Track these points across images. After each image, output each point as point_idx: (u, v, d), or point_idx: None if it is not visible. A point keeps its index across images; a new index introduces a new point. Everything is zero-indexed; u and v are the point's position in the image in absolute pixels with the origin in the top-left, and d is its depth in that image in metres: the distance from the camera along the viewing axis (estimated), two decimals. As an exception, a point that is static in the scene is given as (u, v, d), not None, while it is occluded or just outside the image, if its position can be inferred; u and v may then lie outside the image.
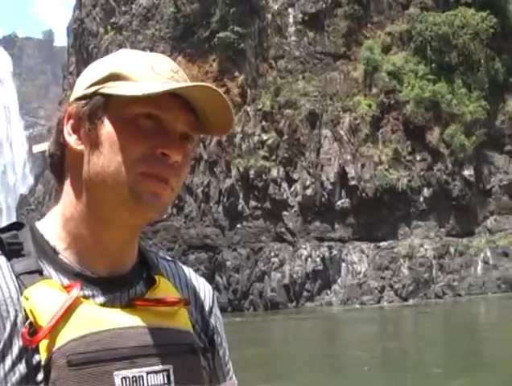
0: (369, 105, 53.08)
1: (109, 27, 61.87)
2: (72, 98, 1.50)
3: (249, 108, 53.84)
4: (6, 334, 1.34)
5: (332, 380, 18.16)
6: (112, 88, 1.43)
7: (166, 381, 1.40)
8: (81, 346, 1.33)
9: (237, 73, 54.10)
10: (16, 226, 1.50)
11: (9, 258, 1.41)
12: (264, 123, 53.33)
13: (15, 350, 1.34)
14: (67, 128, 1.48)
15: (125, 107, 1.42)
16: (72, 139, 1.47)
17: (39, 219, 1.53)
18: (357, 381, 17.71)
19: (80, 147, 1.46)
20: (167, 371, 1.41)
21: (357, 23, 55.87)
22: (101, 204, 1.45)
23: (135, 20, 60.26)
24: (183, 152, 1.46)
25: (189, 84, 1.43)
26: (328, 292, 49.66)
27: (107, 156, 1.42)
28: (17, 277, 1.38)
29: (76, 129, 1.47)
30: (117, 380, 1.34)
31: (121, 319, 1.40)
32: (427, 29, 53.99)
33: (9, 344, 1.34)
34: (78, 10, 67.79)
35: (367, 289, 48.61)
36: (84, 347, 1.33)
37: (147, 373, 1.38)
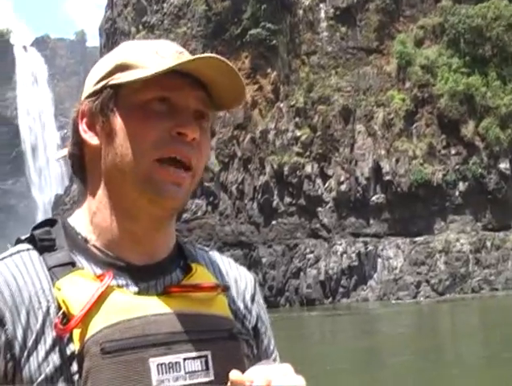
0: (403, 99, 52.83)
1: (140, 26, 62.19)
2: (82, 97, 1.50)
3: (282, 105, 53.85)
4: (38, 325, 1.33)
5: (370, 377, 18.06)
6: (120, 79, 1.43)
7: (204, 367, 1.38)
8: (114, 334, 1.32)
9: (269, 70, 54.13)
10: (49, 223, 1.51)
11: (41, 253, 1.41)
12: (297, 119, 53.31)
13: (49, 340, 1.33)
14: (82, 126, 1.48)
15: (136, 94, 1.41)
16: (87, 136, 1.47)
17: (70, 215, 1.54)
18: (398, 377, 17.61)
19: (97, 142, 1.46)
20: (205, 357, 1.39)
21: (389, 17, 55.61)
22: (123, 196, 1.44)
23: (167, 19, 60.49)
24: (199, 129, 1.44)
25: (193, 56, 1.40)
26: (364, 288, 49.54)
27: (123, 146, 1.42)
28: (49, 269, 1.38)
29: (90, 126, 1.47)
30: (153, 367, 1.33)
31: (154, 306, 1.39)
32: (460, 21, 53.61)
33: (42, 335, 1.33)
34: (110, 10, 68.26)
35: (403, 284, 48.42)
36: (117, 335, 1.32)
37: (184, 359, 1.36)
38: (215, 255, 1.64)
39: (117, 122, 1.43)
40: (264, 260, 50.23)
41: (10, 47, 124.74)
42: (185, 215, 51.68)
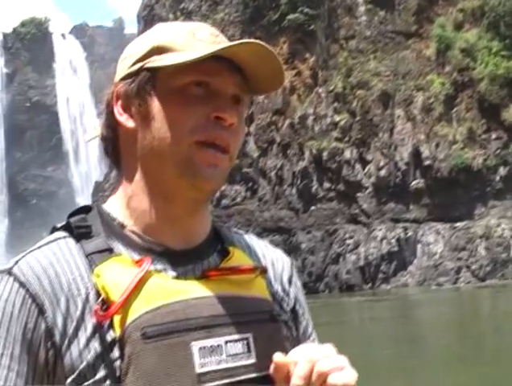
0: (443, 84, 52.42)
1: (178, 13, 62.27)
2: (117, 79, 1.49)
3: (320, 90, 53.74)
4: (78, 313, 1.33)
5: (412, 363, 17.99)
6: (157, 62, 1.42)
7: (246, 349, 1.37)
8: (155, 318, 1.32)
9: (307, 55, 54.01)
10: (85, 210, 1.51)
11: (78, 240, 1.41)
12: (336, 104, 53.19)
13: (89, 327, 1.32)
14: (117, 108, 1.47)
15: (173, 78, 1.41)
16: (123, 118, 1.46)
17: (105, 202, 1.53)
18: (440, 367, 17.51)
19: (132, 125, 1.45)
20: (247, 339, 1.38)
21: (428, 0, 55.13)
22: (160, 179, 1.44)
23: (204, 5, 60.55)
24: (236, 114, 1.43)
25: (232, 42, 1.39)
26: (404, 273, 49.41)
27: (161, 129, 1.41)
28: (86, 256, 1.38)
29: (126, 108, 1.46)
30: (195, 350, 1.32)
31: (194, 290, 1.38)
32: (500, 4, 52.97)
33: (82, 322, 1.33)
34: (148, -3, 68.43)
35: (443, 270, 48.21)
36: (158, 319, 1.32)
37: (226, 342, 1.36)
38: (251, 238, 1.63)
39: (155, 106, 1.42)
40: (303, 245, 50.29)
41: (49, 35, 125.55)
42: (224, 202, 51.89)
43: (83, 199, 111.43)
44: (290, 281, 1.60)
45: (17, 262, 1.38)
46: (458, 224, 49.27)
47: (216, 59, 1.39)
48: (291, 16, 53.43)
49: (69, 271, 1.37)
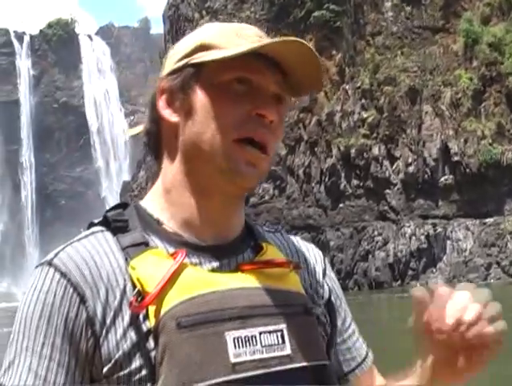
0: (471, 79, 52.11)
1: (204, 12, 62.45)
2: (163, 74, 1.54)
3: (347, 87, 53.69)
4: (116, 303, 1.36)
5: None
6: (201, 58, 1.46)
7: (280, 341, 1.39)
8: (190, 308, 1.34)
9: (334, 52, 53.99)
10: (121, 206, 1.55)
11: (115, 234, 1.45)
12: (363, 101, 53.12)
13: (126, 317, 1.36)
14: (161, 102, 1.51)
15: (217, 74, 1.44)
16: (166, 112, 1.50)
17: (141, 199, 1.57)
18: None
19: (175, 119, 1.49)
20: (281, 331, 1.40)
21: (455, -5, 54.94)
22: (199, 174, 1.47)
23: (230, 3, 60.69)
24: (277, 113, 1.47)
25: (274, 39, 1.41)
26: (434, 270, 49.24)
27: (203, 124, 1.45)
28: (123, 249, 1.42)
29: (170, 102, 1.50)
30: (229, 340, 1.34)
31: (229, 282, 1.40)
32: (528, -3, 52.64)
33: (120, 312, 1.36)
34: (173, -3, 68.67)
35: (473, 266, 47.99)
36: (193, 309, 1.34)
37: (260, 333, 1.37)
38: (283, 234, 1.66)
39: (198, 100, 1.46)
40: (332, 243, 50.29)
41: (76, 36, 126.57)
42: (252, 200, 51.98)
43: (111, 199, 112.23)
44: (324, 274, 1.65)
45: (57, 254, 1.41)
46: (488, 220, 49.00)
47: (258, 58, 1.43)
48: (316, 13, 53.43)
49: (108, 263, 1.40)
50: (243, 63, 1.42)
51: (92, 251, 1.41)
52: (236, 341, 1.34)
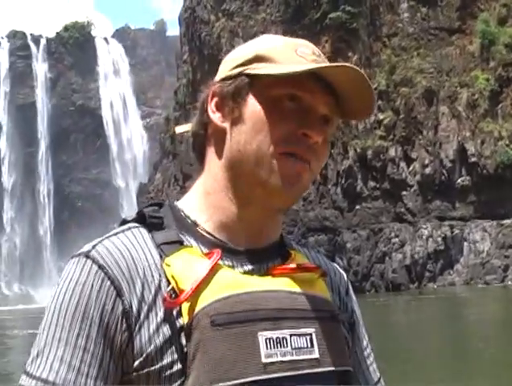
0: (487, 79, 51.98)
1: (220, 14, 62.60)
2: (216, 79, 1.53)
3: (364, 88, 53.65)
4: (151, 297, 1.37)
5: (460, 364, 17.84)
6: (257, 69, 1.46)
7: (309, 344, 1.39)
8: (225, 307, 1.34)
9: (350, 53, 54.00)
10: (156, 205, 1.56)
11: (150, 230, 1.46)
12: (380, 102, 53.05)
13: (160, 313, 1.36)
14: (211, 106, 1.51)
15: (269, 88, 1.44)
16: (215, 116, 1.50)
17: (178, 199, 1.58)
18: (486, 369, 17.34)
19: (224, 124, 1.49)
20: (310, 334, 1.40)
21: (471, -4, 54.80)
22: (241, 181, 1.47)
23: (246, 5, 60.79)
24: (323, 134, 1.46)
25: (332, 64, 1.42)
26: (451, 272, 49.13)
27: (249, 134, 1.44)
28: (158, 246, 1.42)
29: (220, 108, 1.50)
30: (262, 340, 1.35)
31: (261, 284, 1.41)
32: (544, -3, 52.43)
33: (154, 307, 1.37)
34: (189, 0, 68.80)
35: (490, 268, 47.84)
36: (227, 308, 1.35)
37: (290, 335, 1.38)
38: (309, 249, 1.67)
39: (247, 110, 1.46)
40: (348, 245, 50.25)
41: (92, 39, 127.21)
42: (269, 202, 52.09)
43: (127, 200, 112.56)
44: (347, 293, 1.64)
45: (94, 246, 1.42)
46: (505, 221, 48.84)
47: (312, 78, 1.43)
48: (332, 15, 53.45)
49: (144, 258, 1.41)
50: (296, 81, 1.42)
51: (129, 245, 1.42)
52: (268, 341, 1.35)
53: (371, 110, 1.49)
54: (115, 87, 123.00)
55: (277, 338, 1.36)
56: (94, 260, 1.39)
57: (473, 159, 50.46)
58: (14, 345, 31.36)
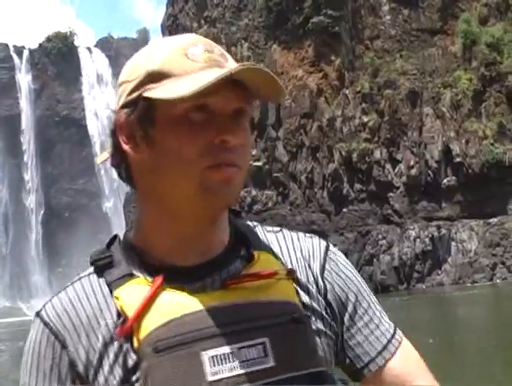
0: (470, 79, 52.09)
1: (202, 21, 62.50)
2: (118, 106, 1.49)
3: (347, 91, 53.68)
4: (99, 344, 1.42)
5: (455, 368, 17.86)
6: (154, 91, 1.40)
7: (262, 354, 1.37)
8: (166, 332, 1.35)
9: (333, 57, 53.96)
10: (114, 238, 1.57)
11: (103, 271, 1.48)
12: (364, 105, 53.10)
13: (111, 355, 1.40)
14: (122, 137, 1.46)
15: (172, 105, 1.38)
16: (128, 148, 1.45)
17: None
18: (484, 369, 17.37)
19: (139, 153, 1.44)
20: (263, 343, 1.38)
21: (452, -4, 54.95)
22: (173, 201, 1.44)
23: (228, 12, 60.73)
24: (240, 131, 1.42)
25: (225, 72, 1.34)
26: (439, 272, 49.15)
27: (168, 157, 1.40)
28: (108, 285, 1.45)
29: (130, 137, 1.45)
30: (206, 359, 1.34)
31: (208, 301, 1.40)
32: (525, -3, 52.62)
33: (105, 351, 1.41)
34: (171, 7, 68.71)
35: (478, 267, 47.88)
36: (169, 333, 1.35)
37: (239, 348, 1.36)
38: (284, 234, 1.62)
39: (158, 135, 1.41)
40: (336, 248, 50.17)
41: (75, 49, 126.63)
42: (256, 207, 52.02)
43: (114, 211, 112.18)
44: (322, 269, 1.57)
45: (44, 305, 1.50)
46: (492, 220, 48.88)
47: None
48: (315, 19, 53.40)
49: (89, 307, 1.45)
50: (197, 91, 1.34)
51: (75, 298, 1.47)
52: (213, 359, 1.34)
53: (280, 96, 1.45)
54: (99, 97, 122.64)
55: (223, 354, 1.35)
56: (41, 319, 1.47)
57: (458, 159, 50.53)
58: (4, 359, 31.24)
